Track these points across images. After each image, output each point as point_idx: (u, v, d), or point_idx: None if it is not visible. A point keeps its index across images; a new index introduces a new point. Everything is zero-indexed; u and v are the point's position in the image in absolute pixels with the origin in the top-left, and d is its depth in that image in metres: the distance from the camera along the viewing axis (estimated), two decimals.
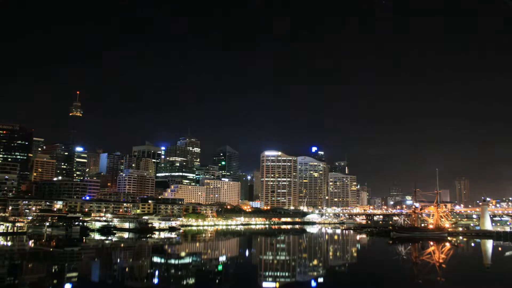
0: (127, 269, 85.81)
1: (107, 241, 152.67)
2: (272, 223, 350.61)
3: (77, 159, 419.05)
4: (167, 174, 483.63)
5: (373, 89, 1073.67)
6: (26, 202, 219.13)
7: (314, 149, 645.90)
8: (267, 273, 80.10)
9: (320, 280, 74.50)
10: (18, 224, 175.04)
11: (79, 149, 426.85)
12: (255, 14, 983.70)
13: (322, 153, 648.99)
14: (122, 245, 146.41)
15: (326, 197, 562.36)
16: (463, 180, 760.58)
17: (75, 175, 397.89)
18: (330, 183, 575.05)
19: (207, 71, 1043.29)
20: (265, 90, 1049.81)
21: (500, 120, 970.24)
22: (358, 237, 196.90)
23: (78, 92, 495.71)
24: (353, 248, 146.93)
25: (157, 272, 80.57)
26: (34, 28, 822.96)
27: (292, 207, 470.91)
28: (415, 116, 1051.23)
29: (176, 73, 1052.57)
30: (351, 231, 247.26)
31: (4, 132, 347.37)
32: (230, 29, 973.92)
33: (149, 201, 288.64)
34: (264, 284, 69.08)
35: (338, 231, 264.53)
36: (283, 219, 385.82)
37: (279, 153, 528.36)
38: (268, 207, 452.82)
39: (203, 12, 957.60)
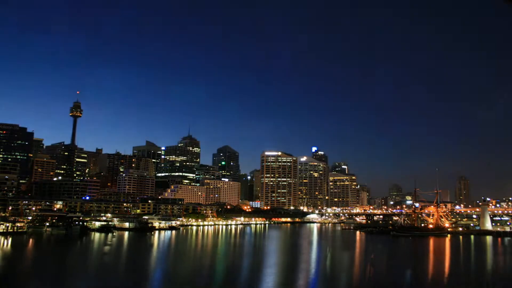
0: (126, 269, 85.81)
1: (106, 241, 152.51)
2: (272, 223, 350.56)
3: (77, 159, 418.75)
4: (167, 174, 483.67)
5: (374, 88, 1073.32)
6: (26, 202, 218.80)
7: (314, 149, 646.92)
8: (266, 273, 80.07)
9: (320, 280, 74.45)
10: (18, 224, 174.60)
11: (79, 148, 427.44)
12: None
13: (322, 153, 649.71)
14: (121, 244, 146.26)
15: (326, 197, 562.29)
16: (463, 180, 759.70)
17: (75, 175, 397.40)
18: (330, 183, 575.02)
19: (208, 71, 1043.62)
20: (265, 89, 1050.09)
21: (500, 119, 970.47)
22: (357, 236, 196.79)
23: (78, 92, 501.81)
24: (352, 248, 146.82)
25: (156, 272, 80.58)
26: (34, 28, 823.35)
27: (292, 207, 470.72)
28: (415, 116, 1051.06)
29: (177, 72, 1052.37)
30: (351, 231, 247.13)
31: (4, 132, 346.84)
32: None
33: (149, 201, 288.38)
34: (264, 283, 69.08)
35: (338, 229, 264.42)
36: (283, 219, 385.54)
37: (279, 153, 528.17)
38: (268, 207, 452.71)
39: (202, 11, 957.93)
